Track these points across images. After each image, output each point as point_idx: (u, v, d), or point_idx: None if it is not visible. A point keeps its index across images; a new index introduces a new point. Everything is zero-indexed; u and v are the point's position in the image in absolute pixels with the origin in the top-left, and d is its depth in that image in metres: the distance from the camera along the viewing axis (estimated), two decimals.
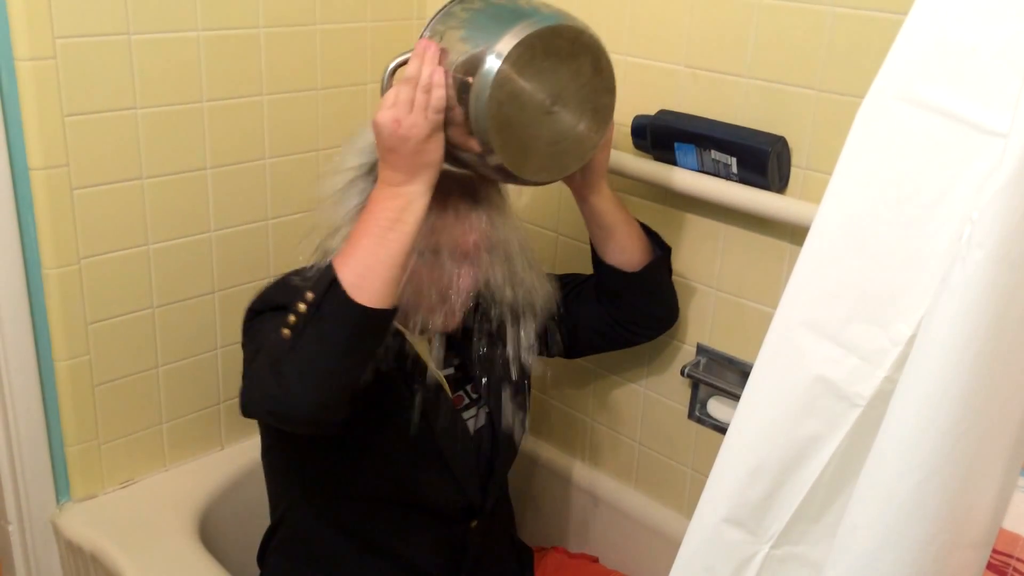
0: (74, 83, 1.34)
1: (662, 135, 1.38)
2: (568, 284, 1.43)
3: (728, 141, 1.30)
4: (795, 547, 0.77)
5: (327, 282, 1.05)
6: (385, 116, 1.06)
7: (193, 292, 1.56)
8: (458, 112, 1.07)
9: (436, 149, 1.08)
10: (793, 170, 1.29)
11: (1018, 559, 0.70)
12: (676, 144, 1.36)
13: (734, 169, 1.31)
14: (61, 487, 1.52)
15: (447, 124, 1.08)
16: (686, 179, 1.37)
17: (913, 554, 0.69)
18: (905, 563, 0.69)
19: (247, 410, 1.14)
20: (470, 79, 1.06)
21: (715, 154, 1.32)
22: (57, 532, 1.51)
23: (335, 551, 1.35)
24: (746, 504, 0.76)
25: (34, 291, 1.41)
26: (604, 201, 1.30)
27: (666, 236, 1.48)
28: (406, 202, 1.07)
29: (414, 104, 1.05)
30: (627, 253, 1.34)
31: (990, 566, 0.71)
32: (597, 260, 1.37)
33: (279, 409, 1.07)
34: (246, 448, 1.65)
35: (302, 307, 1.06)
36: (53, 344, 1.44)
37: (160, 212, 1.48)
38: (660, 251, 1.37)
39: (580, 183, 1.28)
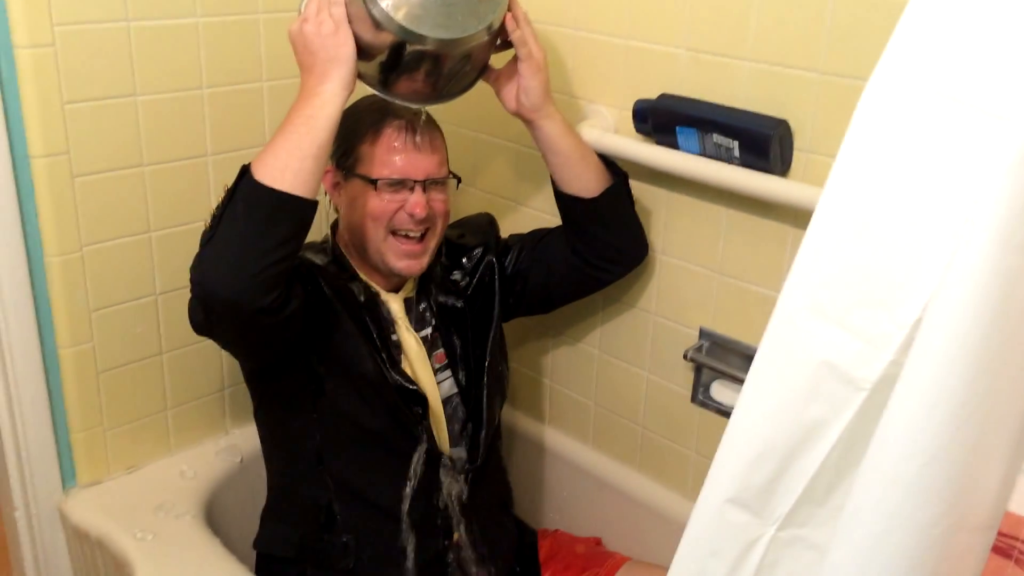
0: (73, 70, 1.33)
1: (664, 119, 1.37)
2: (535, 236, 1.52)
3: (730, 125, 1.30)
4: (800, 529, 0.77)
5: (240, 173, 1.16)
6: (295, 24, 1.19)
7: None
8: (359, 8, 1.16)
9: (345, 43, 1.17)
10: (795, 153, 1.29)
11: (1023, 541, 0.70)
12: (678, 128, 1.36)
13: (736, 153, 1.31)
14: (67, 473, 1.53)
15: (354, 21, 1.17)
16: (688, 163, 1.36)
17: (917, 537, 0.69)
18: (909, 546, 0.69)
19: (189, 316, 1.24)
20: None
21: (717, 138, 1.32)
22: (63, 518, 1.52)
23: (322, 503, 1.37)
24: (751, 487, 0.76)
25: (37, 279, 1.41)
26: (555, 125, 1.34)
27: (668, 221, 1.48)
28: (320, 100, 1.16)
29: (319, 7, 1.18)
30: (583, 180, 1.39)
31: (995, 548, 0.71)
32: (557, 192, 1.42)
33: (201, 294, 1.16)
34: (250, 433, 1.66)
35: (219, 201, 1.16)
36: (57, 331, 1.44)
37: (162, 199, 1.48)
38: (617, 177, 1.41)
39: (527, 108, 1.32)
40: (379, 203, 1.30)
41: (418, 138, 1.31)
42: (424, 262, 1.36)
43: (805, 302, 0.73)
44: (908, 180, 0.70)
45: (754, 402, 0.76)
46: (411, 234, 1.33)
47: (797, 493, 0.76)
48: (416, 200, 1.30)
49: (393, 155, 1.30)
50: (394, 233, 1.33)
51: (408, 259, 1.34)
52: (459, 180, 1.39)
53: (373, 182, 1.30)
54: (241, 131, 1.54)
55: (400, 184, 1.31)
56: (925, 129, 0.70)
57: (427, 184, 1.32)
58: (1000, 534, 0.71)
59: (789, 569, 0.78)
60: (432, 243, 1.36)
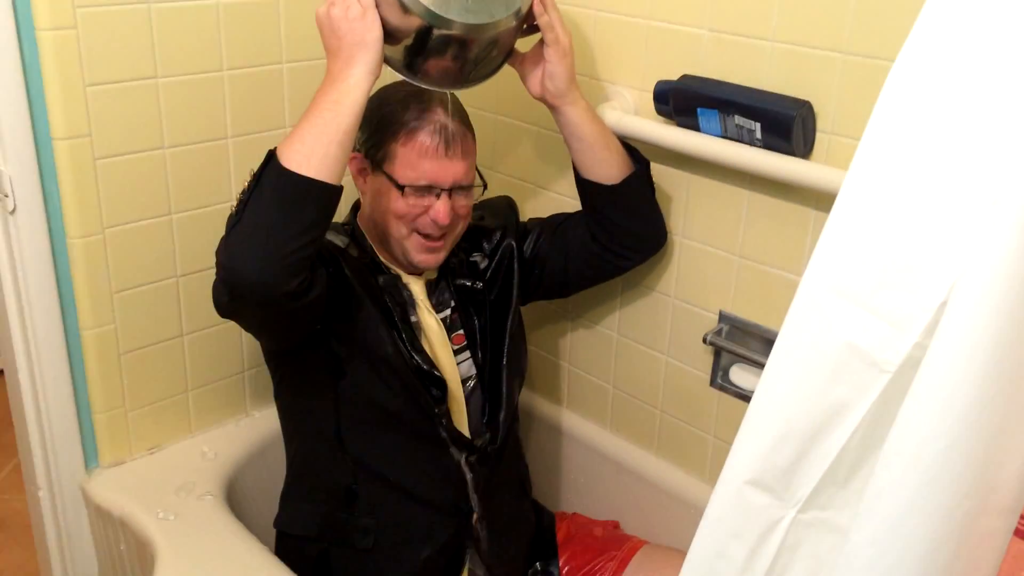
0: (95, 53, 1.34)
1: (685, 101, 1.36)
2: (555, 221, 1.51)
3: (752, 106, 1.29)
4: (822, 512, 0.77)
5: (266, 159, 1.15)
6: (322, 7, 1.18)
7: None
8: None
9: (372, 27, 1.16)
10: (818, 135, 1.28)
11: None
12: (699, 110, 1.35)
13: (758, 134, 1.30)
14: (90, 454, 1.55)
15: (381, 5, 1.17)
16: (709, 145, 1.35)
17: (938, 520, 0.69)
18: (930, 528, 0.69)
19: (214, 299, 1.22)
20: None
21: (739, 119, 1.31)
22: (86, 498, 1.54)
23: (343, 483, 1.38)
24: (773, 469, 0.76)
25: (59, 261, 1.42)
26: (579, 112, 1.34)
27: (688, 203, 1.47)
28: (346, 86, 1.16)
29: None
30: (605, 166, 1.38)
31: (1018, 532, 0.71)
32: (578, 178, 1.42)
33: (229, 278, 1.16)
34: (271, 415, 1.67)
35: (246, 185, 1.15)
36: (79, 313, 1.45)
37: (182, 181, 1.49)
38: (639, 164, 1.41)
39: (551, 93, 1.32)
40: (404, 205, 1.30)
41: (451, 147, 1.29)
42: (443, 256, 1.37)
43: (830, 283, 0.73)
44: (935, 161, 0.69)
45: (777, 383, 0.76)
46: (433, 234, 1.33)
47: (819, 475, 0.75)
48: (440, 208, 1.30)
49: (423, 160, 1.29)
50: (416, 231, 1.33)
51: (428, 253, 1.35)
52: (485, 186, 1.38)
53: (400, 187, 1.30)
54: (261, 113, 1.54)
55: (427, 190, 1.30)
56: (952, 110, 0.69)
57: (453, 190, 1.31)
58: (1023, 517, 0.71)
59: (810, 551, 0.78)
60: (452, 238, 1.37)
